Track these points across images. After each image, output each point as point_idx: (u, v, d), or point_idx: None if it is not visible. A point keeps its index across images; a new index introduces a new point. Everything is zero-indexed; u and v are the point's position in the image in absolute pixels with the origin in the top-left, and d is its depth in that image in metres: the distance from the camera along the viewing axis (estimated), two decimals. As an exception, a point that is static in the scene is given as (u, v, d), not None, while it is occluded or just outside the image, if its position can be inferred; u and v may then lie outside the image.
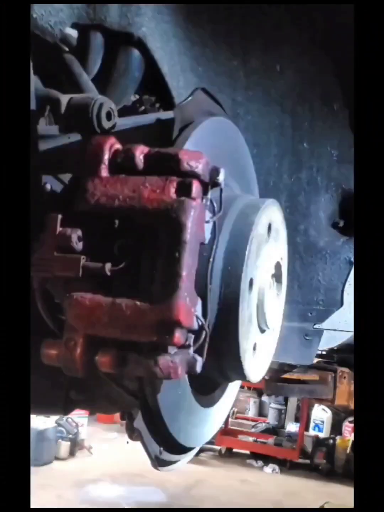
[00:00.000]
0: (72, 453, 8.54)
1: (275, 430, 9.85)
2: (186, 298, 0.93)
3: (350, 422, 9.21)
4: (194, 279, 0.97)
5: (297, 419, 9.88)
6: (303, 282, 1.98)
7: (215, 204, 1.10)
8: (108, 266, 0.97)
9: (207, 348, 1.05)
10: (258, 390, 10.05)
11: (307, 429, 9.64)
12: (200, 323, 1.01)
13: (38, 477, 6.94)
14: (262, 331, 1.31)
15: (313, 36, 1.67)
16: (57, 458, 8.30)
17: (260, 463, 9.19)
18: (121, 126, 1.14)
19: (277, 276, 1.35)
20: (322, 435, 9.54)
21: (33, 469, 6.15)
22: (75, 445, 8.65)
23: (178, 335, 0.93)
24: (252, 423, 10.10)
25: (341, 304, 2.03)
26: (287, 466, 9.07)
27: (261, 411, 10.56)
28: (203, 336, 1.04)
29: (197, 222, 0.95)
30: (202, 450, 8.73)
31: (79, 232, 0.99)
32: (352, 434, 8.77)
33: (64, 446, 8.43)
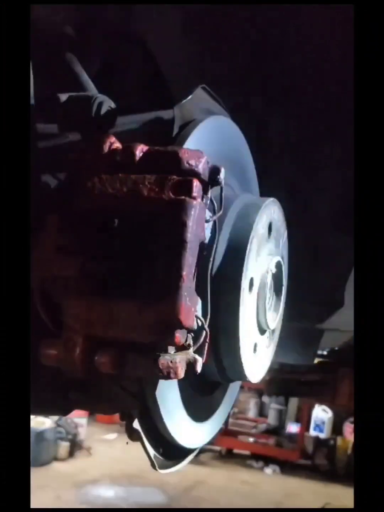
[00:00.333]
0: (71, 453, 8.54)
1: (276, 431, 9.84)
2: (186, 298, 0.92)
3: (351, 422, 9.20)
4: (194, 279, 0.96)
5: (297, 420, 9.87)
6: (304, 282, 1.97)
7: (215, 203, 1.10)
8: (107, 266, 0.96)
9: (207, 348, 1.05)
10: (258, 391, 10.05)
11: (307, 429, 9.63)
12: (200, 323, 1.01)
13: (37, 477, 6.94)
14: (262, 331, 1.30)
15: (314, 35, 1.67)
16: (56, 459, 8.29)
17: (260, 464, 9.19)
18: (120, 125, 1.14)
19: (277, 276, 1.34)
20: (322, 435, 9.53)
21: (32, 470, 6.14)
22: (74, 446, 8.65)
23: (178, 335, 0.93)
24: (253, 424, 10.09)
25: (342, 304, 2.02)
26: (287, 466, 9.06)
27: (262, 412, 10.55)
28: (203, 336, 1.04)
29: (197, 221, 0.95)
30: (202, 451, 8.73)
31: (78, 232, 0.98)
32: (353, 435, 8.76)
33: (63, 446, 8.43)
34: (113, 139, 1.02)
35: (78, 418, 8.73)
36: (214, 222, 1.13)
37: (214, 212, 1.10)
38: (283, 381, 4.21)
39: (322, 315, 2.04)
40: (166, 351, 0.94)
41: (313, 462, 9.20)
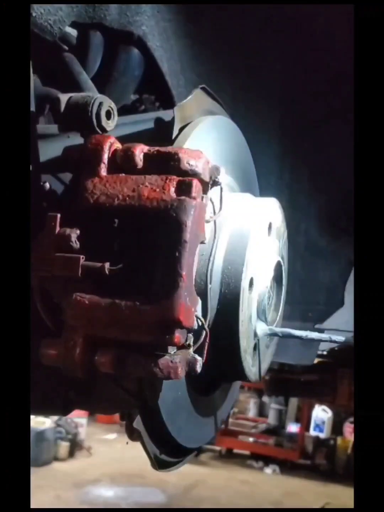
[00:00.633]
0: (71, 453, 8.54)
1: (276, 431, 9.84)
2: (186, 298, 0.92)
3: (351, 422, 9.20)
4: (194, 279, 0.96)
5: (297, 420, 9.87)
6: (304, 282, 1.97)
7: (215, 204, 1.10)
8: (107, 265, 0.96)
9: (207, 348, 1.05)
10: (258, 391, 10.04)
11: (307, 429, 9.63)
12: (200, 323, 1.01)
13: (37, 477, 6.93)
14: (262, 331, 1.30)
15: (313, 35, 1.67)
16: (56, 459, 8.29)
17: (260, 463, 9.18)
18: (120, 125, 1.14)
19: (277, 276, 1.34)
20: (322, 435, 9.53)
21: (32, 470, 6.14)
22: (75, 446, 8.65)
23: (178, 335, 0.93)
24: (253, 424, 10.08)
25: (342, 304, 2.02)
26: (287, 466, 9.06)
27: (262, 412, 10.55)
28: (203, 336, 1.04)
29: (197, 221, 0.95)
30: (202, 450, 8.73)
31: (79, 232, 0.98)
32: (353, 435, 8.76)
33: (63, 446, 8.42)
34: (113, 139, 1.02)
35: (78, 418, 8.73)
36: (214, 222, 1.13)
37: (214, 212, 1.10)
38: (283, 381, 4.21)
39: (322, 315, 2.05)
40: (166, 351, 0.94)
41: (313, 462, 9.19)
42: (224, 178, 1.05)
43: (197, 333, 1.02)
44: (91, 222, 0.99)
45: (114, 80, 1.40)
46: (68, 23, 1.18)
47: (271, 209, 1.31)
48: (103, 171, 1.00)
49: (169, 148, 1.02)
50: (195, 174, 0.98)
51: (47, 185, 1.08)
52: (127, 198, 0.97)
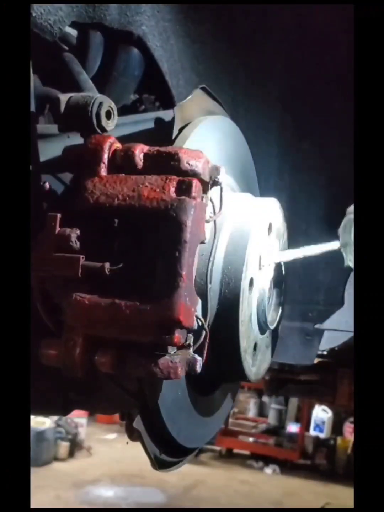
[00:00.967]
0: (71, 453, 8.54)
1: (276, 431, 9.83)
2: (186, 298, 0.92)
3: (351, 422, 9.20)
4: (194, 279, 0.96)
5: (297, 420, 9.87)
6: (304, 282, 1.97)
7: (215, 204, 1.10)
8: (107, 265, 0.96)
9: (207, 348, 1.05)
10: (258, 391, 10.04)
11: (307, 429, 9.63)
12: (200, 323, 1.01)
13: (37, 477, 6.93)
14: (262, 331, 1.30)
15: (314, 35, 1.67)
16: (56, 459, 8.29)
17: (260, 463, 9.18)
18: (120, 125, 1.14)
19: (277, 276, 1.34)
20: (322, 435, 9.53)
21: (32, 470, 6.14)
22: (75, 446, 8.64)
23: (178, 335, 0.93)
24: (253, 424, 10.08)
25: (342, 304, 2.02)
26: (287, 466, 9.06)
27: (262, 412, 10.55)
28: (203, 336, 1.04)
29: (197, 221, 0.95)
30: (202, 450, 8.73)
31: (79, 232, 0.98)
32: (353, 435, 8.76)
33: (63, 446, 8.42)
34: (113, 139, 1.02)
35: (78, 418, 8.73)
36: (214, 222, 1.12)
37: (214, 212, 1.10)
38: (283, 381, 4.21)
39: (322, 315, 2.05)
40: (166, 351, 0.94)
41: (313, 462, 9.19)
42: (225, 178, 1.05)
43: (197, 333, 1.02)
44: (91, 222, 0.99)
45: (114, 80, 1.40)
46: (68, 23, 1.18)
47: (271, 209, 1.31)
48: (103, 171, 1.00)
49: (169, 148, 1.02)
50: (195, 174, 0.98)
51: (47, 185, 1.08)
52: (127, 198, 0.97)
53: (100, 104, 1.04)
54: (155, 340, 0.93)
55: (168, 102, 1.49)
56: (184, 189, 0.96)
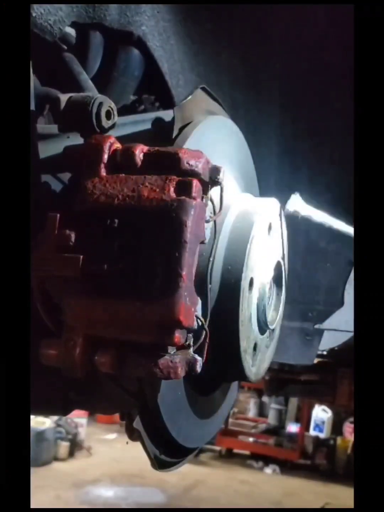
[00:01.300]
0: (71, 453, 8.54)
1: (276, 431, 9.84)
2: (186, 298, 0.92)
3: (351, 422, 9.20)
4: (194, 279, 0.97)
5: (297, 420, 9.87)
6: (304, 282, 1.97)
7: (215, 204, 1.10)
8: (107, 265, 0.96)
9: (207, 348, 1.05)
10: (258, 391, 10.04)
11: (307, 429, 9.63)
12: (200, 323, 1.01)
13: (37, 477, 6.94)
14: (262, 331, 1.30)
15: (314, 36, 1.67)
16: (56, 459, 8.30)
17: (260, 463, 9.19)
18: (120, 125, 1.14)
19: (277, 276, 1.34)
20: (322, 435, 9.54)
21: (32, 470, 6.14)
22: (74, 446, 8.65)
23: (178, 335, 0.93)
24: (253, 424, 10.09)
25: (342, 304, 2.02)
26: (287, 466, 9.06)
27: (262, 412, 10.55)
28: (203, 336, 1.04)
29: (197, 221, 0.95)
30: (202, 450, 8.73)
31: (79, 232, 0.98)
32: (353, 435, 8.77)
33: (63, 446, 8.43)
34: (113, 139, 1.02)
35: (78, 418, 8.73)
36: (214, 222, 1.12)
37: (214, 212, 1.10)
38: (283, 381, 4.21)
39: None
40: (166, 351, 0.94)
41: (313, 462, 9.20)
42: (225, 178, 1.05)
43: (197, 333, 1.02)
44: (91, 222, 0.99)
45: (114, 80, 1.40)
46: (68, 23, 1.18)
47: (271, 209, 1.31)
48: (103, 171, 1.00)
49: (169, 148, 1.02)
50: (195, 174, 0.98)
51: (47, 185, 1.08)
52: (127, 198, 0.97)
53: (100, 104, 1.04)
54: (155, 340, 0.93)
55: (168, 102, 1.49)
56: (184, 189, 0.96)
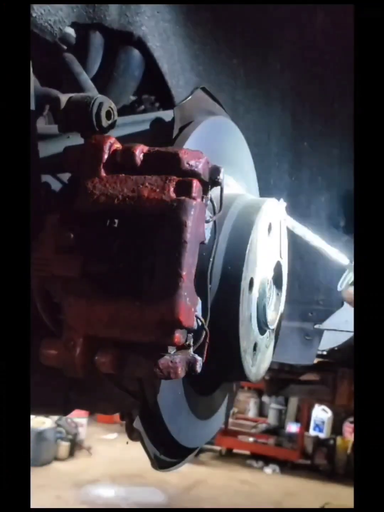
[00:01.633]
0: (71, 453, 8.54)
1: (276, 431, 9.84)
2: (186, 298, 0.92)
3: (351, 422, 9.20)
4: (194, 279, 0.97)
5: (297, 420, 9.87)
6: (304, 282, 1.97)
7: (215, 204, 1.10)
8: (107, 265, 0.96)
9: (207, 348, 1.05)
10: (258, 390, 10.05)
11: (307, 429, 9.64)
12: (200, 323, 1.01)
13: (37, 477, 6.94)
14: (262, 331, 1.30)
15: (314, 36, 1.67)
16: (56, 459, 8.30)
17: (260, 463, 9.19)
18: (120, 125, 1.14)
19: (277, 276, 1.34)
20: (322, 435, 9.53)
21: (32, 470, 6.14)
22: (75, 446, 8.65)
23: (178, 335, 0.93)
24: (252, 424, 10.09)
25: (342, 304, 2.02)
26: (287, 466, 9.06)
27: (261, 412, 10.55)
28: (203, 336, 1.04)
29: (197, 221, 0.95)
30: (202, 450, 8.73)
31: (79, 232, 0.98)
32: (353, 435, 8.77)
33: (64, 446, 8.43)
34: (113, 139, 1.02)
35: (78, 418, 8.73)
36: (214, 222, 1.12)
37: (214, 212, 1.10)
38: (282, 381, 4.21)
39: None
40: (166, 351, 0.94)
41: (313, 462, 9.20)
42: (225, 178, 1.05)
43: (197, 333, 1.02)
44: (91, 222, 0.99)
45: (114, 80, 1.41)
46: (68, 24, 1.18)
47: (271, 209, 1.31)
48: (103, 172, 1.00)
49: (169, 149, 1.02)
50: (195, 175, 0.98)
51: (47, 185, 1.08)
52: (127, 199, 0.97)
53: (100, 104, 1.04)
54: (155, 340, 0.93)
55: (168, 102, 1.49)
56: (184, 190, 0.96)
